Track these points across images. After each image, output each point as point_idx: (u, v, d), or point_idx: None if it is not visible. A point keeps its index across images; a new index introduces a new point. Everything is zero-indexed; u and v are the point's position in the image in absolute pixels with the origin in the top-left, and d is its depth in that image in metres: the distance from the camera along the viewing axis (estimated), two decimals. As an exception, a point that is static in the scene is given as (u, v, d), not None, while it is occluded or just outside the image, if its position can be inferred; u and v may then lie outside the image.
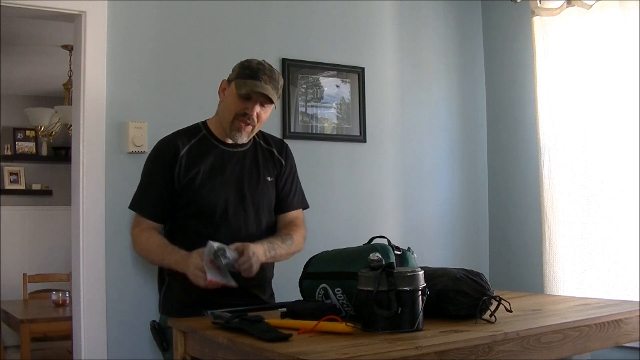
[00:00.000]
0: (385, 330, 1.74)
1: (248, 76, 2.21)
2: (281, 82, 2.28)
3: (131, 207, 2.33)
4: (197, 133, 2.32)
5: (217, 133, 2.33)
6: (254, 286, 2.30)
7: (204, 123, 2.37)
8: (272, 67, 2.27)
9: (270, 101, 2.24)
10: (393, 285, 1.75)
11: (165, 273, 2.30)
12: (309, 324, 1.77)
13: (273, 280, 2.43)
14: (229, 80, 2.29)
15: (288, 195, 2.44)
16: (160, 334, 2.20)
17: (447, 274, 2.00)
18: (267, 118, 2.31)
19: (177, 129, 2.36)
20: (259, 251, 2.14)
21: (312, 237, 2.85)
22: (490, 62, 3.79)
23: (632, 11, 3.02)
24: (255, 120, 2.25)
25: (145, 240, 2.24)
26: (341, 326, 1.75)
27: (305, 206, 2.51)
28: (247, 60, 2.27)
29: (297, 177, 2.50)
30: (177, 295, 2.26)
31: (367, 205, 3.35)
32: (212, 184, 2.26)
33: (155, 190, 2.28)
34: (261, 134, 2.42)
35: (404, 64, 3.52)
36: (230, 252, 2.04)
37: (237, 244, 2.11)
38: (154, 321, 2.27)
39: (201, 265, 2.01)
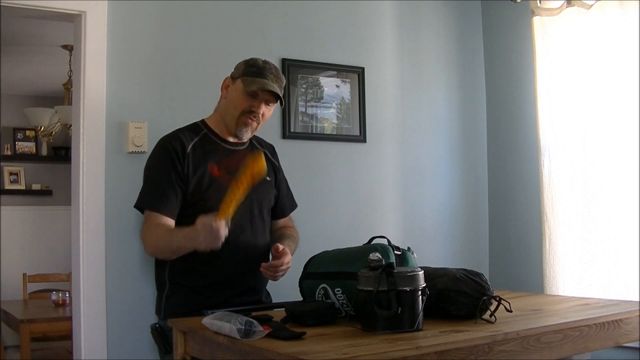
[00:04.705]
0: (385, 330, 1.74)
1: (255, 74, 2.25)
2: (285, 82, 2.34)
3: (145, 206, 2.24)
4: (199, 131, 2.33)
5: (217, 131, 2.34)
6: (253, 289, 2.33)
7: (203, 122, 2.38)
8: (276, 67, 2.31)
9: (275, 100, 2.29)
10: (393, 285, 1.75)
11: (166, 279, 2.28)
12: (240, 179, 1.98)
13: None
14: (232, 77, 2.31)
15: (285, 202, 2.54)
16: (163, 337, 2.20)
17: (447, 274, 2.00)
18: (269, 117, 2.36)
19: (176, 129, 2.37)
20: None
21: (312, 237, 2.86)
22: (490, 62, 3.79)
23: (632, 11, 3.01)
24: (261, 117, 2.29)
25: (152, 233, 2.17)
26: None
27: (295, 207, 2.61)
28: (253, 59, 2.31)
29: (286, 179, 2.59)
30: (179, 302, 2.25)
31: (367, 205, 3.35)
32: (218, 184, 2.26)
33: (170, 186, 2.21)
34: (253, 135, 2.44)
35: (404, 64, 3.52)
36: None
37: (278, 246, 2.22)
38: (155, 324, 2.27)
39: (212, 222, 1.94)
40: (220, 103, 2.37)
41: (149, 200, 2.25)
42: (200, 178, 2.25)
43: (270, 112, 2.33)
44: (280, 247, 2.23)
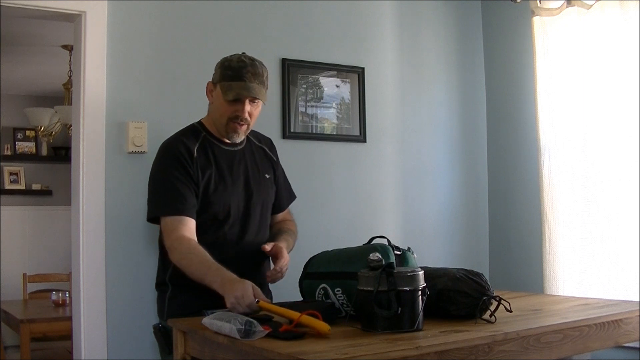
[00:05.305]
0: (385, 330, 1.74)
1: (231, 78, 2.19)
2: (266, 73, 2.25)
3: (163, 212, 2.16)
4: (199, 134, 2.31)
5: (214, 132, 2.33)
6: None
7: (200, 123, 2.36)
8: (253, 61, 2.23)
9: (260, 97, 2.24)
10: (393, 285, 1.75)
11: (167, 280, 2.27)
12: (294, 314, 1.77)
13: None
14: (213, 82, 2.28)
15: (283, 195, 2.52)
16: (166, 337, 2.18)
17: (447, 274, 2.00)
18: (259, 113, 2.30)
19: (176, 131, 2.36)
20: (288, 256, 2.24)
21: (312, 237, 2.86)
22: (490, 62, 3.79)
23: (632, 11, 3.01)
24: (249, 119, 2.26)
25: (187, 251, 2.10)
26: (320, 325, 1.72)
27: (294, 199, 2.60)
28: (227, 60, 2.24)
29: (284, 171, 2.56)
30: (183, 303, 2.23)
31: (367, 205, 3.35)
32: (223, 186, 2.26)
33: (185, 186, 2.17)
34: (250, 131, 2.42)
35: (404, 64, 3.52)
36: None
37: (273, 246, 2.22)
38: (158, 324, 2.26)
39: (251, 301, 1.89)
40: (209, 107, 2.35)
41: (167, 204, 2.17)
42: (207, 182, 2.24)
43: (258, 110, 2.28)
44: (268, 247, 2.23)
